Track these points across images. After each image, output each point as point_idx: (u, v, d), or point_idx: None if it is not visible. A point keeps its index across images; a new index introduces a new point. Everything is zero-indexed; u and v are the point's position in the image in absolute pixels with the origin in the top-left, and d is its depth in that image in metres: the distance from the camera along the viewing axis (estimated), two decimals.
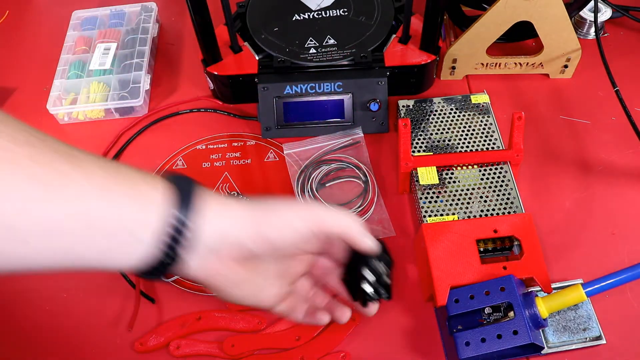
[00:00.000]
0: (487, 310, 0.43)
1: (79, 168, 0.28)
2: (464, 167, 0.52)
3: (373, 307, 0.40)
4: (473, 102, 0.57)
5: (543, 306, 0.43)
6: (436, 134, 0.55)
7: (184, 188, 0.32)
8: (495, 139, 0.54)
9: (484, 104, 0.57)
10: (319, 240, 0.37)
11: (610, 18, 0.66)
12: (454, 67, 0.63)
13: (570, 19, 0.58)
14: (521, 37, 0.63)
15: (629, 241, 0.52)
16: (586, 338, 0.46)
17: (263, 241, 0.34)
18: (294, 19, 0.63)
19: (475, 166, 0.52)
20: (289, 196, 0.55)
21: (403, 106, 0.58)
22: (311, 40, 0.61)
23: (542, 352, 0.44)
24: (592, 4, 0.64)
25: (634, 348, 0.46)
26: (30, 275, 0.48)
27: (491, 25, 0.59)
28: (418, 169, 0.52)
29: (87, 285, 0.52)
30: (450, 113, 0.57)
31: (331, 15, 0.64)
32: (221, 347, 0.47)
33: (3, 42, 0.74)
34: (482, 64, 0.63)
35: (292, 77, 0.59)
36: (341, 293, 0.42)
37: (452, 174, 0.52)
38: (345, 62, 0.60)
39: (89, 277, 0.52)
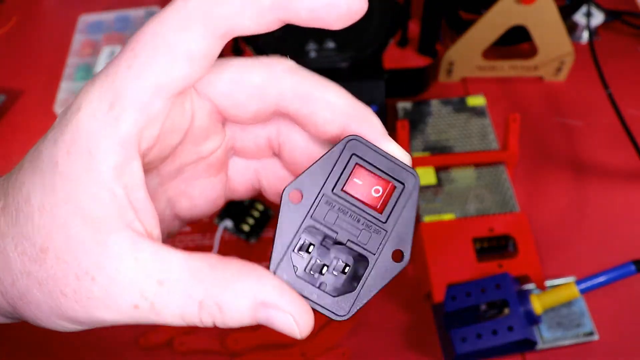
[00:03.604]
0: (483, 307, 0.44)
1: None
2: (461, 168, 0.53)
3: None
4: (470, 104, 0.59)
5: (537, 303, 0.44)
6: (434, 135, 0.56)
7: None
8: (492, 140, 0.55)
9: (481, 106, 0.58)
10: None
11: (604, 22, 0.67)
12: (450, 70, 0.65)
13: (564, 23, 0.60)
14: (516, 40, 0.65)
15: (621, 240, 0.53)
16: (579, 334, 0.47)
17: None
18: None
19: (471, 166, 0.53)
20: None
21: (401, 108, 0.59)
22: (311, 44, 0.62)
23: (537, 347, 0.46)
24: (585, 8, 0.65)
25: (625, 344, 0.47)
26: None
27: (487, 29, 0.60)
28: (416, 169, 0.53)
29: None
30: (447, 115, 0.58)
31: None
32: (224, 343, 0.48)
33: (11, 47, 0.75)
34: (479, 67, 0.65)
35: None
36: None
37: (449, 174, 0.53)
38: (345, 65, 0.61)
39: None
